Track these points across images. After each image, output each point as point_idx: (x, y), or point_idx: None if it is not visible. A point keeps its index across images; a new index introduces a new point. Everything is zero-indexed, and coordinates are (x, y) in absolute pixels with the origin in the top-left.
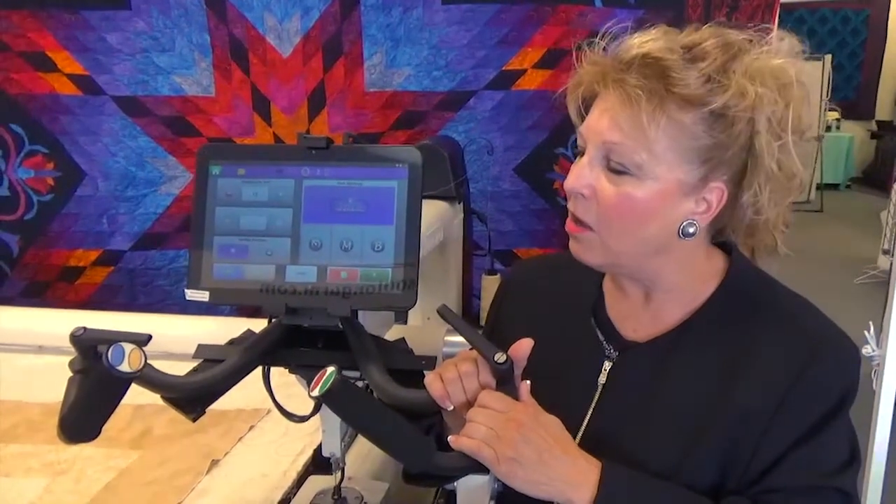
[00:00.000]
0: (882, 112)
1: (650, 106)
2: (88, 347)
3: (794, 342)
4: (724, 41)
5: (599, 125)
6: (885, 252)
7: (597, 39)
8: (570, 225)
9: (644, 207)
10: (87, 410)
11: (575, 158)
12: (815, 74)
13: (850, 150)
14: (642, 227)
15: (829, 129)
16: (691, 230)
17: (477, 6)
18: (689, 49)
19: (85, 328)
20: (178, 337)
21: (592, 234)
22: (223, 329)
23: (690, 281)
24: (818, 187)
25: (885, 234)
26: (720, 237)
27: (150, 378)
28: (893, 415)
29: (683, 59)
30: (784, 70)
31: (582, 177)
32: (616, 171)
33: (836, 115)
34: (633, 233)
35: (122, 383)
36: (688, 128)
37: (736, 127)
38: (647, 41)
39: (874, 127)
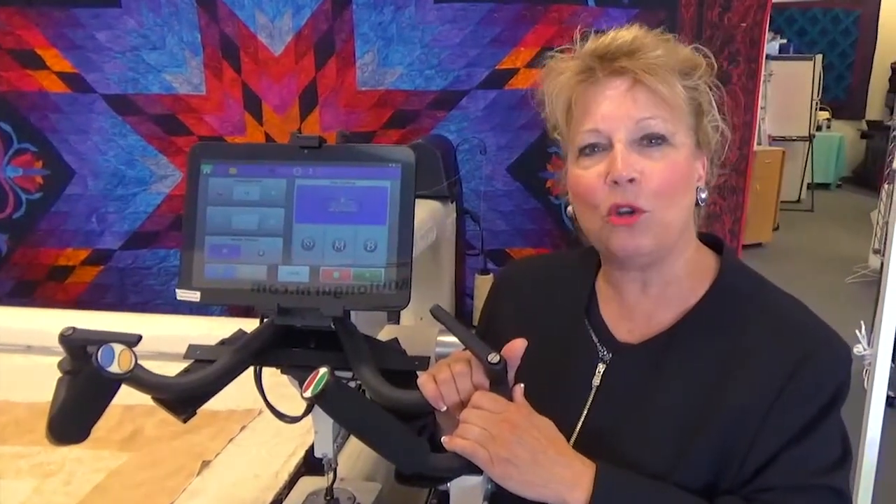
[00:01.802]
0: (872, 112)
1: (671, 75)
2: (78, 348)
3: (786, 342)
4: (663, 33)
5: (625, 108)
6: (876, 251)
7: (575, 43)
8: (620, 220)
9: (684, 171)
10: (76, 411)
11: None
12: (805, 74)
13: (840, 149)
14: (685, 194)
15: (819, 128)
16: (703, 195)
17: (469, 5)
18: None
19: (74, 328)
20: (168, 337)
21: (647, 215)
22: (214, 329)
23: (687, 275)
24: (809, 187)
25: (876, 234)
26: None
27: (140, 379)
28: (884, 413)
29: (661, 41)
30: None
31: (628, 161)
32: (652, 144)
33: (826, 114)
34: (680, 201)
35: (111, 384)
36: (689, 93)
37: (704, 95)
38: (626, 30)
39: (864, 127)
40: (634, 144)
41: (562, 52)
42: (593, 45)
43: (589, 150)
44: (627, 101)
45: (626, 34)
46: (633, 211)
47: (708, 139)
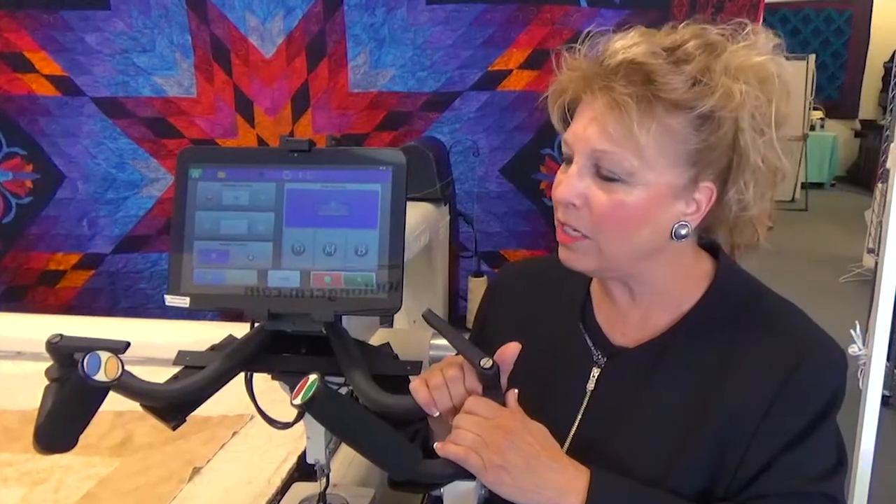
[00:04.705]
0: (866, 111)
1: (639, 112)
2: (65, 355)
3: (782, 347)
4: (705, 41)
5: (588, 133)
6: (870, 251)
7: (577, 45)
8: (562, 236)
9: (637, 213)
10: (63, 420)
11: (561, 161)
12: (798, 74)
13: (834, 149)
14: (636, 232)
15: (813, 128)
16: (683, 231)
17: (461, 6)
18: (672, 51)
19: (61, 335)
20: (159, 342)
21: (588, 241)
22: (205, 334)
23: (679, 283)
24: (803, 186)
25: (870, 233)
26: (705, 235)
27: (127, 386)
28: (880, 413)
29: (668, 62)
30: (764, 66)
31: (572, 186)
32: (607, 178)
33: (820, 114)
34: (627, 238)
35: (98, 392)
36: (677, 132)
37: (723, 128)
38: (631, 46)
39: (858, 126)
40: (592, 168)
41: (570, 48)
42: (598, 53)
43: (565, 158)
44: (594, 125)
45: (621, 54)
46: (576, 232)
47: (734, 172)
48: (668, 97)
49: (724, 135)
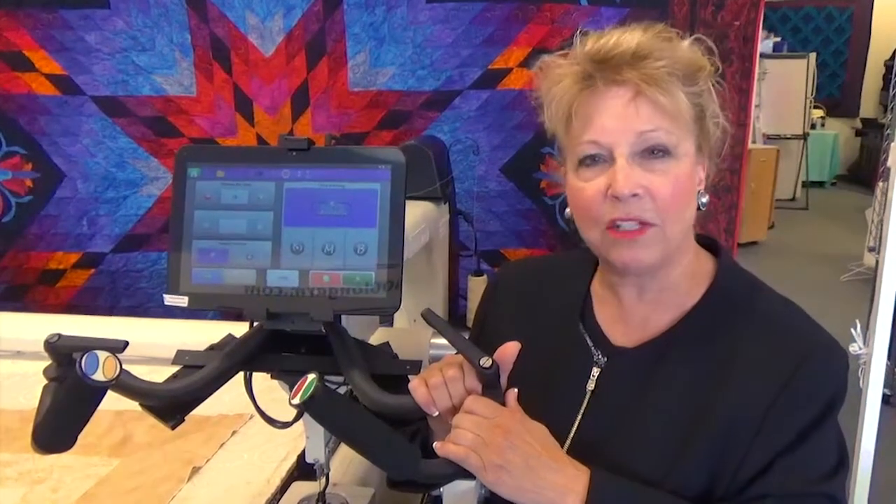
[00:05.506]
0: (866, 109)
1: (674, 85)
2: (63, 355)
3: (782, 347)
4: (665, 29)
5: (627, 120)
6: (871, 249)
7: (573, 44)
8: (625, 234)
9: (688, 185)
10: (61, 419)
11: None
12: (799, 72)
13: (835, 147)
14: (689, 205)
15: (813, 126)
16: (704, 200)
17: (461, 4)
18: (658, 34)
19: (60, 335)
20: (159, 342)
21: (653, 230)
22: (205, 333)
23: (685, 280)
24: (804, 185)
25: (871, 232)
26: None
27: (125, 386)
28: (880, 411)
29: (664, 41)
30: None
31: (630, 177)
32: (656, 157)
33: (820, 112)
34: (684, 214)
35: (97, 392)
36: (692, 99)
37: (706, 96)
38: (630, 34)
39: (859, 124)
40: (636, 157)
41: (562, 53)
42: (595, 47)
43: (589, 160)
44: (629, 112)
45: (629, 40)
46: (641, 224)
47: (708, 138)
48: (682, 68)
49: (703, 105)
